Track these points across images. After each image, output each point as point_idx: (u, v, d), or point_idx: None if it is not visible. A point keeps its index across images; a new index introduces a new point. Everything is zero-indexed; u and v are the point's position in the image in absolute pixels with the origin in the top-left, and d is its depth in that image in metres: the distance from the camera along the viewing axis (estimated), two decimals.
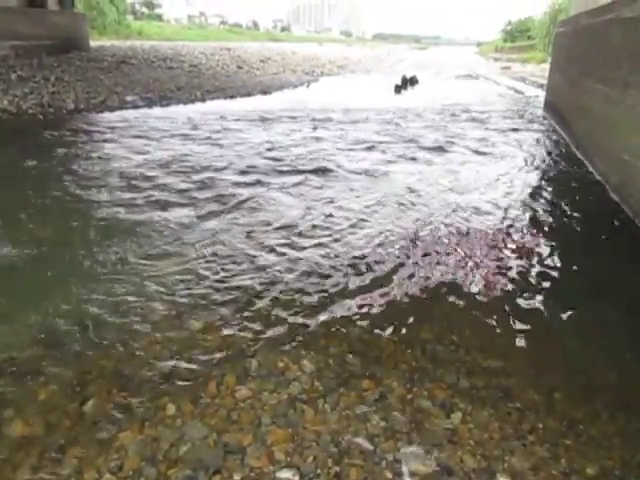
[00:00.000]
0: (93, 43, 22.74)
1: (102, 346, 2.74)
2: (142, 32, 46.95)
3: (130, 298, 3.22)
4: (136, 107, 11.28)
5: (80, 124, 9.22)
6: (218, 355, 2.69)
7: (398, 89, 16.81)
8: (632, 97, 5.31)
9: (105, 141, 7.81)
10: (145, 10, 75.28)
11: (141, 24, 52.69)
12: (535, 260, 4.03)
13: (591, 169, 6.76)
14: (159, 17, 74.25)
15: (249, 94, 14.32)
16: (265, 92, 14.96)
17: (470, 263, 3.92)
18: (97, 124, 9.25)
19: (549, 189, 6.06)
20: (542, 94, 14.15)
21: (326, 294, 3.37)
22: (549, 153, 8.00)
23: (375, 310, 3.19)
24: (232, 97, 13.56)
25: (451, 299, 3.38)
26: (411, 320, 3.10)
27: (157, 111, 10.94)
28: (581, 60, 8.79)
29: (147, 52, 22.36)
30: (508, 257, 4.06)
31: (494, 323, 3.12)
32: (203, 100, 12.75)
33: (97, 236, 4.17)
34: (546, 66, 16.94)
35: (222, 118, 10.08)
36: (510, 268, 3.86)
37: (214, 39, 51.22)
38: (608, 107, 6.26)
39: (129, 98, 12.00)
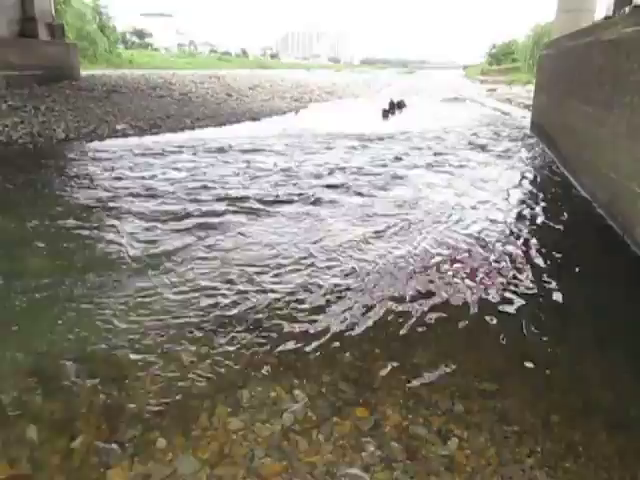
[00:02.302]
0: (84, 72, 22.87)
1: (91, 380, 2.69)
2: (133, 61, 47.37)
3: (120, 329, 3.17)
4: (126, 136, 11.31)
5: (69, 153, 9.24)
6: (209, 386, 2.64)
7: (386, 113, 17.01)
8: (616, 117, 5.39)
9: (93, 169, 7.80)
10: (136, 39, 76.15)
11: (132, 53, 53.20)
12: (526, 280, 4.02)
13: (578, 187, 6.83)
14: (150, 46, 75.08)
15: (238, 121, 14.43)
16: (254, 119, 15.09)
17: (461, 286, 3.91)
18: (86, 153, 9.25)
19: (538, 207, 6.10)
20: (528, 115, 14.37)
21: (316, 321, 3.33)
22: (537, 172, 8.09)
23: (367, 336, 3.16)
24: (222, 124, 13.65)
25: (443, 322, 3.36)
26: (404, 345, 3.08)
27: (147, 139, 10.97)
28: (565, 81, 8.96)
29: (137, 81, 22.52)
30: (499, 279, 4.06)
31: (488, 345, 3.10)
32: (193, 128, 12.81)
33: (85, 265, 4.12)
34: (531, 87, 17.24)
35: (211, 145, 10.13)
36: (502, 290, 3.85)
37: (204, 67, 51.74)
38: (593, 126, 6.35)
39: (119, 127, 12.05)
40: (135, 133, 11.65)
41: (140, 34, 79.39)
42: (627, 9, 6.70)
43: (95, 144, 10.25)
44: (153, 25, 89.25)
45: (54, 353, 2.92)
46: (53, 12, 20.54)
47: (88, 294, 3.63)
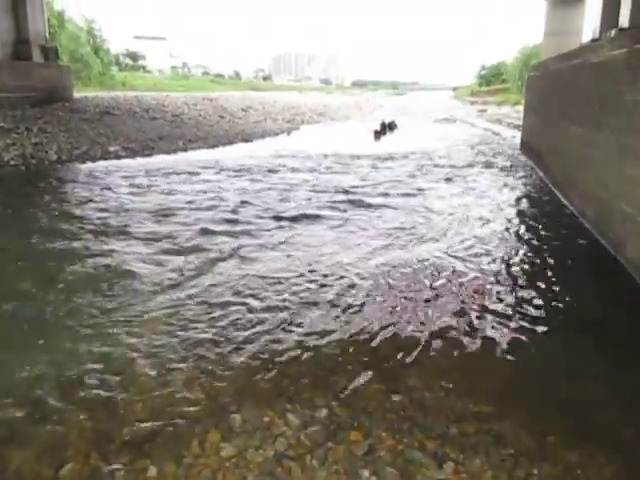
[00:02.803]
0: (77, 94, 22.92)
1: (82, 405, 2.64)
2: (126, 83, 47.55)
3: (111, 354, 3.13)
4: (118, 157, 11.33)
5: (61, 175, 9.24)
6: (201, 411, 2.60)
7: (377, 135, 17.13)
8: (604, 137, 5.46)
9: (84, 191, 7.80)
10: (129, 61, 76.64)
11: (125, 75, 53.43)
12: (519, 300, 4.02)
13: (568, 205, 6.88)
14: (143, 68, 75.58)
15: (231, 143, 14.50)
16: (247, 140, 15.17)
17: (454, 307, 3.89)
18: (78, 174, 9.26)
19: (529, 226, 6.13)
20: (518, 135, 14.53)
21: (309, 344, 3.31)
22: (527, 190, 8.16)
23: (360, 358, 3.13)
24: (214, 146, 13.70)
25: (437, 344, 3.33)
26: (398, 367, 3.05)
27: (139, 161, 10.98)
28: (553, 102, 9.08)
29: (130, 102, 22.60)
30: (492, 299, 4.05)
31: (482, 367, 3.08)
32: (185, 149, 12.85)
33: (77, 289, 4.09)
34: (521, 108, 17.48)
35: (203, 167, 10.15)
36: (494, 310, 3.84)
37: (197, 89, 52.01)
38: (582, 146, 6.43)
39: (111, 148, 12.06)
40: (128, 155, 11.67)
41: (134, 56, 79.88)
42: (613, 32, 6.83)
43: (88, 165, 10.25)
44: (146, 48, 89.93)
45: (43, 377, 2.87)
46: (47, 35, 20.67)
47: (74, 317, 3.59)
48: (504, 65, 54.42)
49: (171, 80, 64.55)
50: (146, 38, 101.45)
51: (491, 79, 60.42)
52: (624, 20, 7.62)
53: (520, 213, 6.77)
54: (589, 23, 12.48)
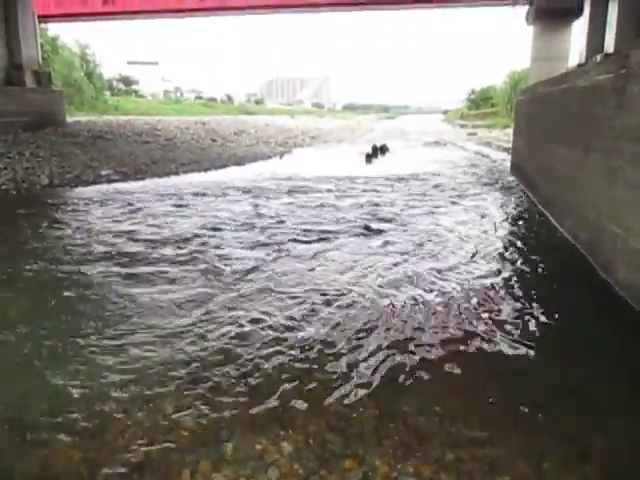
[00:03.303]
0: (70, 119, 23.05)
1: (70, 434, 2.59)
2: (119, 107, 47.84)
3: (101, 380, 3.08)
4: (110, 181, 11.34)
5: (52, 199, 9.23)
6: (192, 439, 2.56)
7: (369, 158, 17.24)
8: (593, 160, 5.53)
9: (72, 214, 7.80)
10: (122, 86, 77.15)
11: (118, 99, 53.78)
12: (512, 324, 4.01)
13: (559, 227, 6.92)
14: (136, 92, 76.05)
15: (223, 166, 14.57)
16: (239, 164, 15.25)
17: (446, 330, 3.88)
18: (69, 198, 9.25)
19: (519, 248, 6.15)
20: (508, 157, 14.69)
21: (301, 370, 3.27)
22: (517, 212, 8.22)
23: (354, 384, 3.10)
24: (207, 170, 13.76)
25: (430, 368, 3.31)
26: (391, 392, 3.02)
27: (131, 185, 10.99)
28: (542, 125, 9.21)
29: (123, 127, 22.72)
30: (484, 323, 4.04)
31: (476, 391, 3.06)
32: (177, 173, 12.89)
33: (67, 315, 4.04)
34: (510, 131, 17.71)
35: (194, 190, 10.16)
36: (487, 334, 3.82)
37: (189, 113, 52.38)
38: (571, 169, 6.50)
39: (104, 172, 12.08)
40: (120, 178, 11.68)
41: (126, 81, 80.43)
42: (599, 57, 6.99)
43: (79, 190, 10.25)
44: (139, 72, 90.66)
45: (27, 404, 2.82)
46: (40, 60, 20.84)
47: (61, 341, 3.55)
48: (493, 89, 55.35)
49: (164, 104, 65.02)
50: (139, 63, 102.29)
51: (480, 103, 61.34)
52: (609, 45, 7.82)
53: (511, 235, 6.80)
54: (575, 48, 12.75)
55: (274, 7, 22.49)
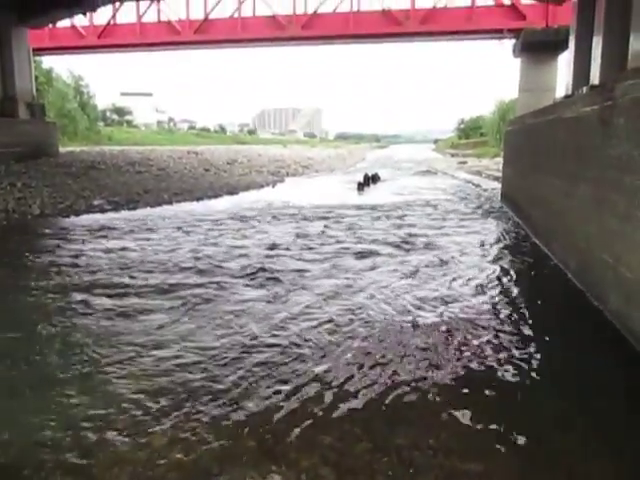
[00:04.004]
0: (63, 149, 23.15)
1: (55, 469, 2.52)
2: (112, 137, 48.18)
3: (88, 413, 3.02)
4: (103, 211, 11.33)
5: (41, 229, 9.23)
6: (181, 475, 2.50)
7: (361, 187, 17.34)
8: (582, 189, 5.60)
9: (63, 244, 7.76)
10: (116, 117, 77.76)
11: (111, 130, 54.21)
12: (504, 355, 3.99)
13: (550, 255, 6.96)
14: (129, 123, 76.64)
15: (216, 195, 14.61)
16: (232, 193, 15.30)
17: (438, 361, 3.84)
18: (59, 228, 9.22)
19: (511, 275, 6.16)
20: (498, 186, 14.83)
21: (294, 404, 3.22)
22: (509, 241, 8.25)
23: (346, 416, 3.05)
24: (199, 199, 13.79)
25: (423, 401, 3.27)
26: (384, 425, 2.97)
27: (123, 214, 10.98)
28: (531, 155, 9.35)
29: (116, 157, 22.83)
30: (477, 352, 4.01)
31: (470, 424, 3.02)
32: (170, 202, 12.91)
33: (53, 344, 3.99)
34: (500, 160, 17.92)
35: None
36: (480, 364, 3.80)
37: (182, 143, 52.80)
38: (561, 198, 6.57)
39: (96, 202, 12.08)
40: (112, 208, 11.68)
41: (120, 112, 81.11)
42: (585, 89, 7.13)
43: (71, 219, 10.23)
44: (133, 103, 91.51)
45: (11, 439, 2.75)
46: (34, 92, 21.02)
47: (48, 374, 3.49)
48: (482, 119, 56.22)
49: (157, 134, 65.52)
50: (133, 94, 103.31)
51: (470, 132, 62.27)
52: (594, 77, 7.99)
53: (502, 264, 6.80)
54: (562, 80, 13.03)
55: (269, 40, 22.90)
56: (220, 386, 3.39)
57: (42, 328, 4.36)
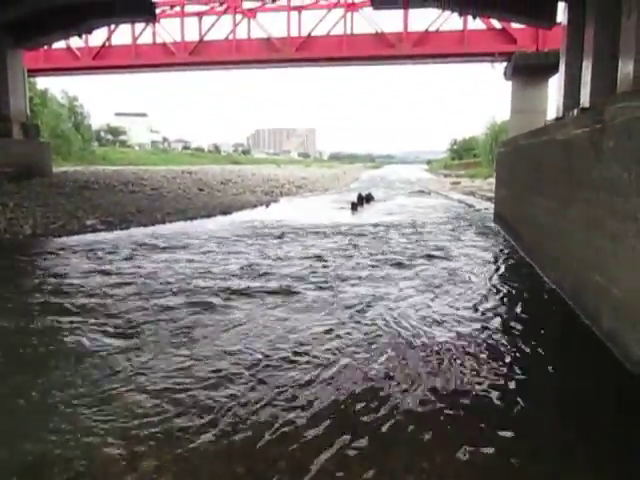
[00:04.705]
0: (57, 169, 23.18)
1: None
2: (106, 157, 48.28)
3: (77, 435, 2.97)
4: (95, 231, 11.27)
5: (32, 249, 9.19)
6: None
7: (354, 207, 17.38)
8: (574, 211, 5.63)
9: (52, 265, 7.71)
10: (110, 137, 78.09)
11: (105, 150, 54.36)
12: (497, 374, 3.96)
13: (543, 276, 6.97)
14: (123, 143, 76.95)
15: (209, 215, 14.60)
16: (225, 213, 15.29)
17: (430, 385, 3.79)
18: (50, 249, 9.15)
19: (505, 299, 6.14)
20: (491, 206, 14.92)
21: (287, 423, 3.18)
22: (502, 262, 8.26)
23: (337, 439, 3.00)
24: (193, 218, 13.78)
25: (414, 424, 3.23)
26: (377, 448, 2.93)
27: (116, 234, 10.93)
28: (523, 176, 9.42)
29: (110, 177, 22.86)
30: (469, 377, 3.97)
31: (463, 448, 2.97)
32: (163, 222, 12.88)
33: (41, 367, 3.93)
34: (492, 180, 18.05)
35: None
36: (473, 388, 3.76)
37: (176, 163, 52.95)
38: (553, 219, 6.60)
39: (89, 222, 12.03)
40: (105, 228, 11.63)
41: (114, 132, 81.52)
42: (575, 111, 7.22)
43: (62, 239, 10.16)
44: (127, 123, 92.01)
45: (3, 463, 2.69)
46: (28, 112, 21.08)
47: (38, 397, 3.43)
48: (475, 140, 56.84)
49: (151, 154, 65.71)
50: (127, 114, 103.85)
51: (463, 153, 62.94)
52: (585, 100, 8.09)
53: (496, 286, 6.79)
54: (553, 102, 13.20)
55: (263, 61, 23.14)
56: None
57: (27, 349, 4.30)
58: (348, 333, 4.82)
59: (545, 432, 3.17)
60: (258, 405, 3.40)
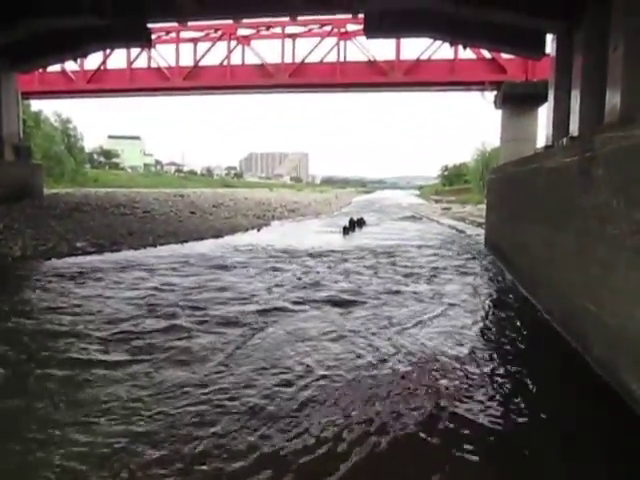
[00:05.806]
0: (48, 191, 23.10)
1: None
2: (98, 180, 48.28)
3: (66, 464, 2.90)
4: (86, 253, 11.18)
5: (20, 272, 9.07)
6: None
7: (346, 231, 17.43)
8: (564, 238, 5.67)
9: (39, 289, 7.61)
10: (103, 159, 78.19)
11: (97, 172, 54.41)
12: (489, 401, 3.93)
13: (534, 302, 6.97)
14: (116, 166, 77.04)
15: (201, 238, 14.55)
16: (217, 236, 15.25)
17: (423, 412, 3.76)
18: (39, 271, 9.07)
19: (495, 327, 6.14)
20: (481, 232, 15.00)
21: (277, 451, 3.12)
22: (492, 289, 8.27)
23: (334, 461, 2.95)
24: (184, 241, 13.71)
25: (406, 450, 3.19)
26: (369, 474, 2.88)
27: (106, 257, 10.85)
28: (513, 203, 9.51)
29: (101, 199, 22.81)
30: (461, 400, 3.95)
31: (457, 470, 2.93)
32: (154, 245, 12.81)
33: (30, 391, 3.86)
34: (483, 206, 18.18)
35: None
36: (465, 414, 3.73)
37: (169, 186, 52.99)
38: (543, 246, 6.64)
39: (79, 244, 11.94)
40: (95, 250, 11.54)
41: (107, 154, 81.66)
42: (564, 140, 7.34)
43: (52, 262, 10.06)
44: (120, 146, 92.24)
45: None
46: (21, 134, 21.09)
47: (27, 419, 3.35)
48: (465, 166, 57.42)
49: (144, 177, 65.85)
50: (120, 137, 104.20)
51: (454, 179, 63.49)
52: (574, 129, 8.23)
53: (486, 313, 6.79)
54: (542, 130, 13.41)
55: (257, 87, 23.37)
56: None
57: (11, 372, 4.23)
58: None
59: (538, 452, 3.14)
60: None
